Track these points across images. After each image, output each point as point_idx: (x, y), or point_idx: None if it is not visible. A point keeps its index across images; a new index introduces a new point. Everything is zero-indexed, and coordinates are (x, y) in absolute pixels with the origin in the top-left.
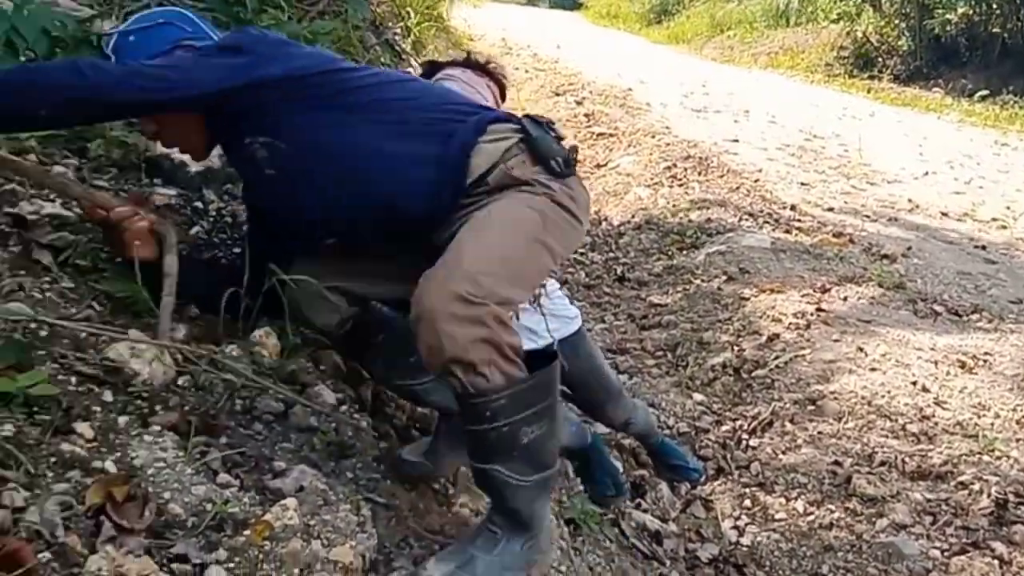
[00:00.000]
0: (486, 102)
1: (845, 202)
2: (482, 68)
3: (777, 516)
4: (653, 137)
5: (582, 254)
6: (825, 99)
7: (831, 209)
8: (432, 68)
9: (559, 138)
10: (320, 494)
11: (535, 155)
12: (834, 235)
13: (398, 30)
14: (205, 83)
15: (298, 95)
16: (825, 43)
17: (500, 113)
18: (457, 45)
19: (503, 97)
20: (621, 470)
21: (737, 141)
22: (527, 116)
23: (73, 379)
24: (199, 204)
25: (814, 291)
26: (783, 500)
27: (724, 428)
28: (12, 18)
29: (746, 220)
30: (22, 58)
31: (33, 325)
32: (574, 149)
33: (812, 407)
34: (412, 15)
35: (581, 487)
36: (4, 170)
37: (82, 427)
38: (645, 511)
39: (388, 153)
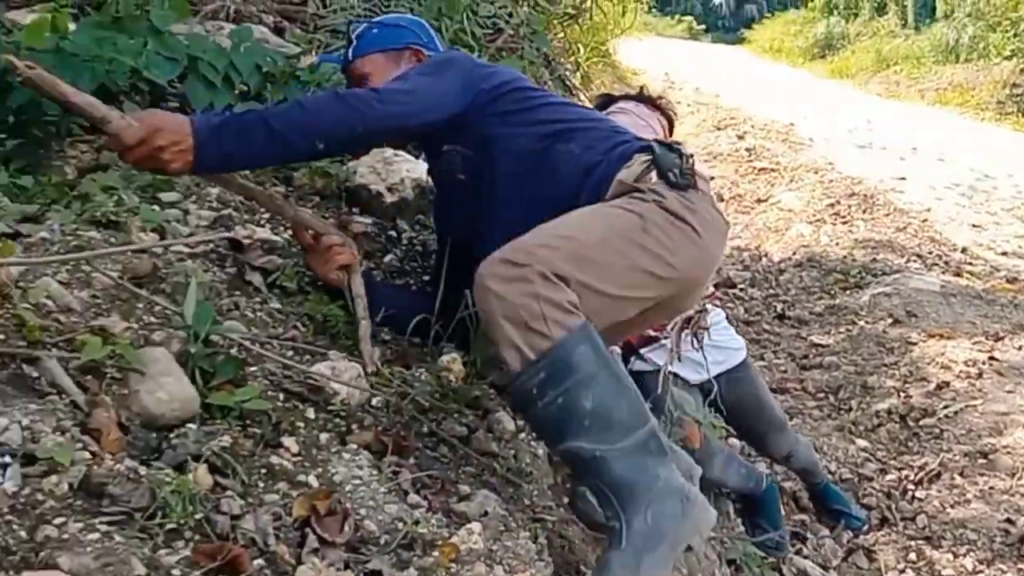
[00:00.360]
0: (655, 135)
1: (1020, 246)
2: (653, 103)
3: (944, 572)
4: (816, 173)
5: (741, 289)
6: (997, 137)
7: (1004, 253)
8: (607, 100)
9: (683, 155)
10: (501, 519)
11: (657, 169)
12: (1008, 280)
13: (569, 65)
14: (438, 109)
15: (497, 109)
16: (997, 80)
17: (644, 142)
18: (622, 79)
19: (671, 131)
20: (783, 514)
21: (904, 179)
22: (658, 141)
23: (281, 395)
24: (393, 233)
25: (986, 338)
26: (951, 556)
27: (889, 477)
28: (230, 54)
29: (914, 261)
30: (236, 91)
31: (247, 342)
32: (691, 158)
33: (983, 460)
34: (582, 50)
35: (742, 528)
36: (230, 189)
37: (289, 442)
38: (806, 557)
39: (573, 156)
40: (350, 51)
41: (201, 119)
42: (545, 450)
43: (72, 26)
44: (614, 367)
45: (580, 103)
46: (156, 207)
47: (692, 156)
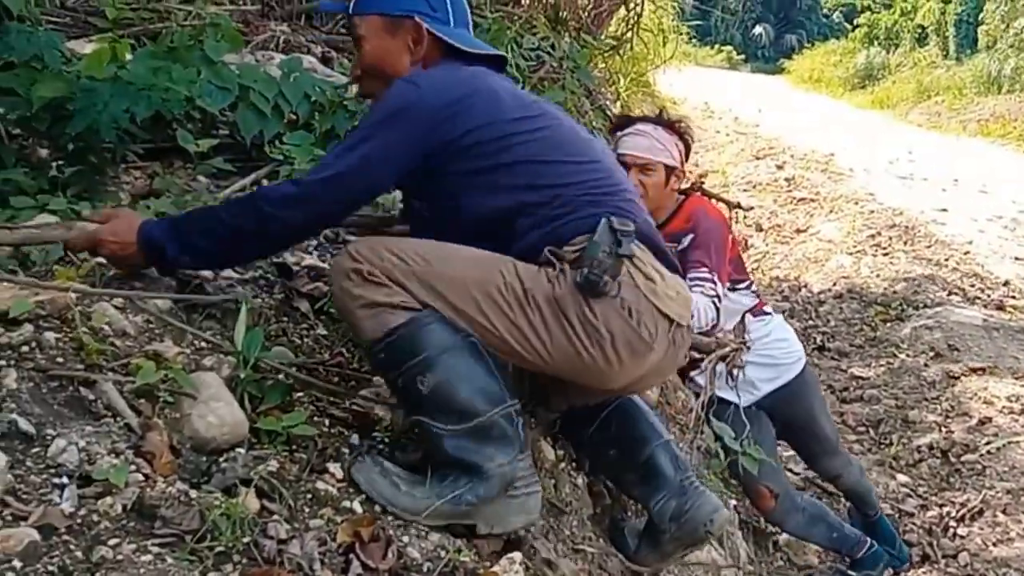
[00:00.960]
0: (673, 159)
1: None
2: (671, 126)
3: None
4: (856, 204)
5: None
6: None
7: None
8: (625, 121)
9: (620, 255)
10: (542, 549)
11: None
12: None
13: (609, 95)
14: (373, 187)
15: (462, 168)
16: None
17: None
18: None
19: (687, 155)
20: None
21: (946, 211)
22: (623, 217)
23: (326, 421)
24: None
25: None
26: None
27: (930, 513)
28: (280, 84)
29: (956, 294)
30: (285, 120)
31: (293, 368)
32: (601, 273)
33: None
34: (622, 81)
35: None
36: None
37: (334, 468)
38: None
39: (535, 233)
40: (351, 4)
41: (151, 227)
42: (585, 480)
43: (129, 56)
44: (462, 352)
45: (569, 140)
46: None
47: (623, 258)
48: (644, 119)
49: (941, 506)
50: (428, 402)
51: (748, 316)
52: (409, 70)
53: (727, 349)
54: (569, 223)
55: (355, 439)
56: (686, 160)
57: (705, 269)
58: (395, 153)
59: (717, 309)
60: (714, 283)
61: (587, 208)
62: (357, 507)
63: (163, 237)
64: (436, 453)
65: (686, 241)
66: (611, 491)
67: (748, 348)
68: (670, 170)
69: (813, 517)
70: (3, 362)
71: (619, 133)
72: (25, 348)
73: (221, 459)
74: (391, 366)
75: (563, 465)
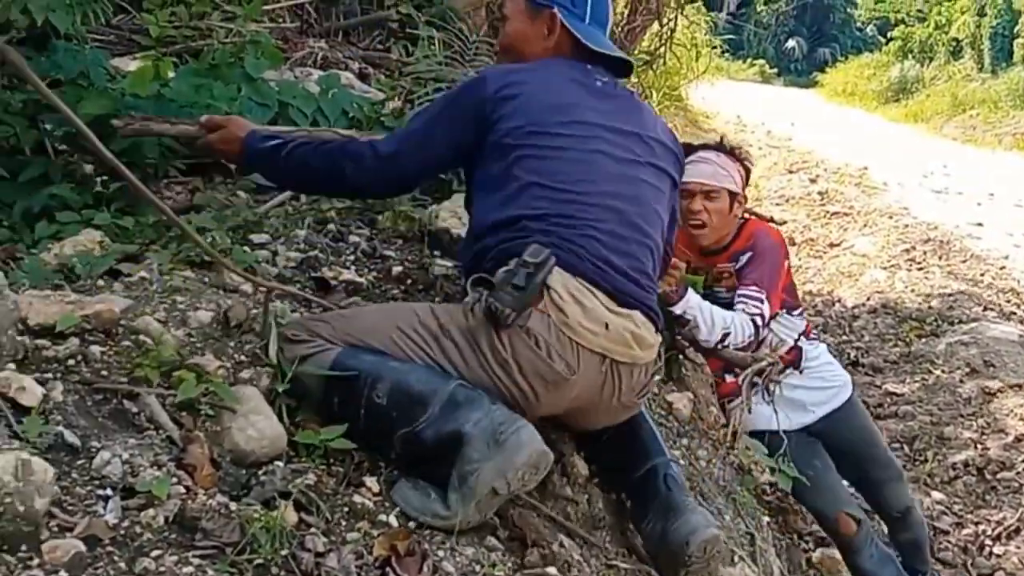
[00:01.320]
0: (735, 184)
1: None
2: (732, 153)
3: None
4: (891, 218)
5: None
6: None
7: None
8: (687, 150)
9: (517, 286)
10: (577, 564)
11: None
12: None
13: None
14: (432, 157)
15: (490, 155)
16: None
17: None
18: (694, 123)
19: (747, 180)
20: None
21: (981, 225)
22: (562, 248)
23: None
24: None
25: None
26: None
27: (966, 531)
28: (319, 100)
29: (991, 309)
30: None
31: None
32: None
33: None
34: (655, 95)
35: None
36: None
37: (370, 481)
38: None
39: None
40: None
41: (257, 135)
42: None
43: (172, 73)
44: (395, 359)
45: (574, 163)
46: (247, 248)
47: (524, 291)
48: (706, 147)
49: (977, 524)
50: (392, 412)
51: (802, 339)
52: (542, 56)
53: (763, 363)
54: (512, 249)
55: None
56: (747, 184)
57: (755, 287)
58: (442, 131)
59: (757, 327)
60: (761, 301)
61: (536, 236)
62: (393, 521)
63: (262, 161)
64: (427, 453)
65: (743, 259)
66: None
67: (801, 371)
68: (733, 196)
69: (884, 556)
70: (50, 375)
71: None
72: (71, 361)
73: (260, 472)
74: (348, 399)
75: (596, 480)
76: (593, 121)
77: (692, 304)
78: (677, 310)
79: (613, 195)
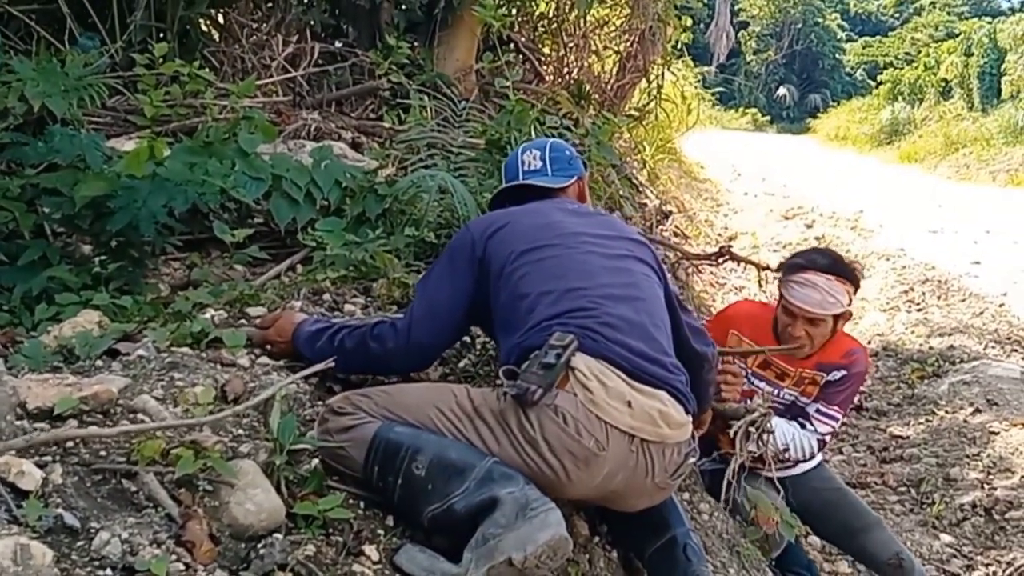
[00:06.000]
0: (843, 306)
1: None
2: (843, 274)
3: None
4: (887, 260)
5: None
6: None
7: None
8: (796, 266)
9: (546, 365)
10: None
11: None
12: None
13: (635, 164)
14: (450, 313)
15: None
16: None
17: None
18: (689, 174)
19: (856, 291)
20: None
21: (979, 263)
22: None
23: (361, 504)
24: (467, 339)
25: None
26: None
27: (976, 574)
28: (312, 172)
29: (992, 348)
30: (317, 206)
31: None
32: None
33: None
34: (647, 148)
35: None
36: None
37: (370, 550)
38: None
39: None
40: (579, 167)
41: (306, 323)
42: (620, 554)
43: (167, 151)
44: (426, 434)
45: (567, 267)
46: (241, 329)
47: (552, 370)
48: (815, 265)
49: (987, 566)
50: (430, 484)
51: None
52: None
53: (756, 415)
54: (536, 343)
55: (390, 521)
56: (854, 297)
57: (837, 410)
58: (444, 286)
59: (821, 448)
60: (836, 423)
61: (556, 329)
62: None
63: (306, 349)
64: (457, 525)
65: (837, 375)
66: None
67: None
68: (838, 317)
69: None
70: (49, 458)
71: (789, 278)
72: (70, 443)
73: (259, 545)
74: (387, 471)
75: (597, 539)
76: (578, 231)
77: (786, 432)
78: (780, 445)
79: (615, 286)
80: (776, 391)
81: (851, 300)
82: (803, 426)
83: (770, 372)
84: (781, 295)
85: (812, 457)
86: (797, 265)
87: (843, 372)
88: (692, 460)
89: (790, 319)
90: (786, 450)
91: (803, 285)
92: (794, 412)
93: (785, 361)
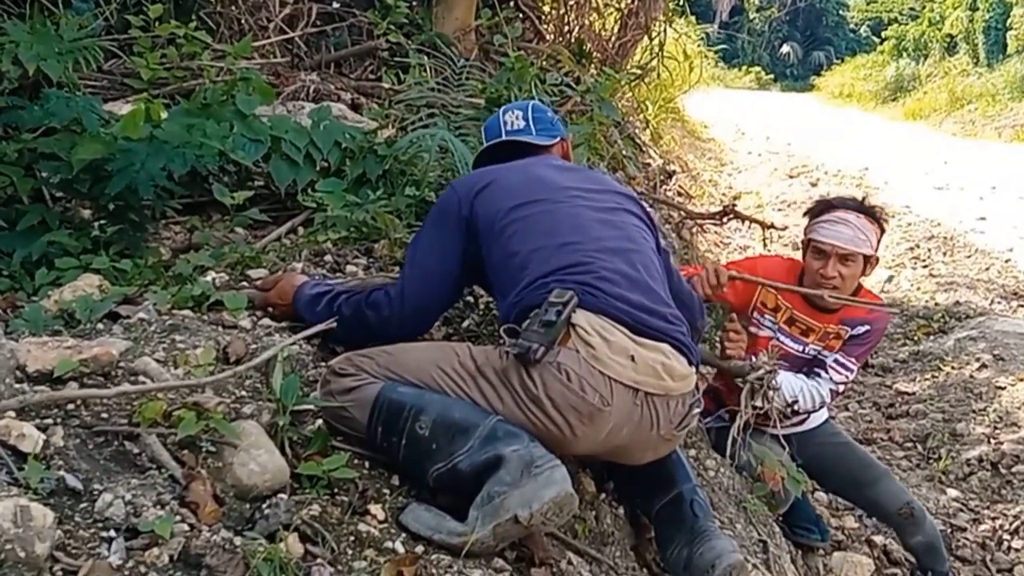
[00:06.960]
0: (872, 248)
1: None
2: (871, 214)
3: None
4: (893, 217)
5: None
6: None
7: None
8: (825, 207)
9: (546, 323)
10: None
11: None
12: None
13: (638, 123)
14: (442, 274)
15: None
16: None
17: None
18: (692, 134)
19: (880, 239)
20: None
21: (984, 219)
22: (575, 289)
23: (366, 463)
24: (470, 298)
25: None
26: None
27: (983, 527)
28: (311, 133)
29: (998, 303)
30: (317, 168)
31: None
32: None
33: None
34: (650, 108)
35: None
36: None
37: (375, 509)
38: None
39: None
40: (562, 129)
41: (307, 285)
42: (626, 510)
43: (164, 114)
44: (437, 393)
45: (558, 221)
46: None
47: (553, 327)
48: (844, 205)
49: (994, 519)
50: (434, 443)
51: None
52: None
53: (761, 372)
54: (535, 301)
55: (395, 480)
56: (880, 242)
57: (854, 361)
58: (434, 249)
59: (833, 396)
60: (851, 374)
61: (554, 286)
62: (399, 547)
63: (305, 313)
64: (462, 484)
65: (860, 330)
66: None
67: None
68: (867, 259)
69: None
70: (50, 420)
71: (819, 219)
72: (71, 406)
73: (264, 505)
74: (391, 432)
75: (603, 496)
76: (567, 185)
77: (793, 385)
78: (788, 398)
79: (608, 239)
80: (801, 347)
81: (878, 244)
82: (818, 375)
83: (795, 328)
84: (809, 241)
85: (823, 406)
86: (826, 204)
87: (867, 327)
88: (697, 411)
89: (822, 261)
90: (795, 402)
91: (834, 223)
92: (814, 364)
93: (811, 316)
